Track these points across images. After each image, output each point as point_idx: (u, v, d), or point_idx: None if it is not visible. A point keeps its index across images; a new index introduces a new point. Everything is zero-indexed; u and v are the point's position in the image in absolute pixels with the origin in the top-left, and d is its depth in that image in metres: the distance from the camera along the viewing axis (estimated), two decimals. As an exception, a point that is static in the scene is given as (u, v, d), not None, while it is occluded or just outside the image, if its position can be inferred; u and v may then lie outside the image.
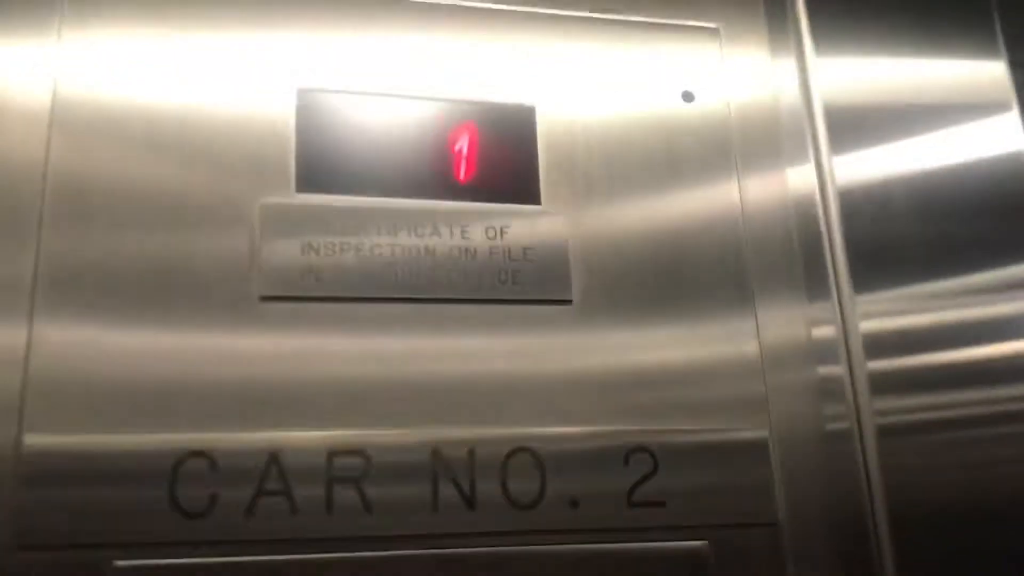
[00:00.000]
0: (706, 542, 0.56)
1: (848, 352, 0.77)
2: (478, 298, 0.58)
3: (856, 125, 0.79)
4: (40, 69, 0.59)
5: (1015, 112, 0.83)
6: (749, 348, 0.67)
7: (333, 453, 0.52)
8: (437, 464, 0.53)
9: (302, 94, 0.58)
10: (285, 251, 0.55)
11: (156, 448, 0.50)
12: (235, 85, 0.59)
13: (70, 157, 0.56)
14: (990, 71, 0.83)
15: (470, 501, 0.52)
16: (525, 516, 0.53)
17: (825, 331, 0.77)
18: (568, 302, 0.59)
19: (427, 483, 0.52)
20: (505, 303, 0.58)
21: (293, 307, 0.55)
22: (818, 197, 0.76)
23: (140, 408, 0.51)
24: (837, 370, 0.75)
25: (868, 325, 0.78)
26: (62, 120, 0.57)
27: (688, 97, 0.66)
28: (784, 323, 0.74)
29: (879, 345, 0.76)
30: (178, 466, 0.50)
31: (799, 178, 0.77)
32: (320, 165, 0.57)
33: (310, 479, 0.51)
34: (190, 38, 0.59)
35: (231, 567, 0.49)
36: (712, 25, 0.71)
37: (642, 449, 0.56)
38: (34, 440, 0.49)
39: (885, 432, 0.74)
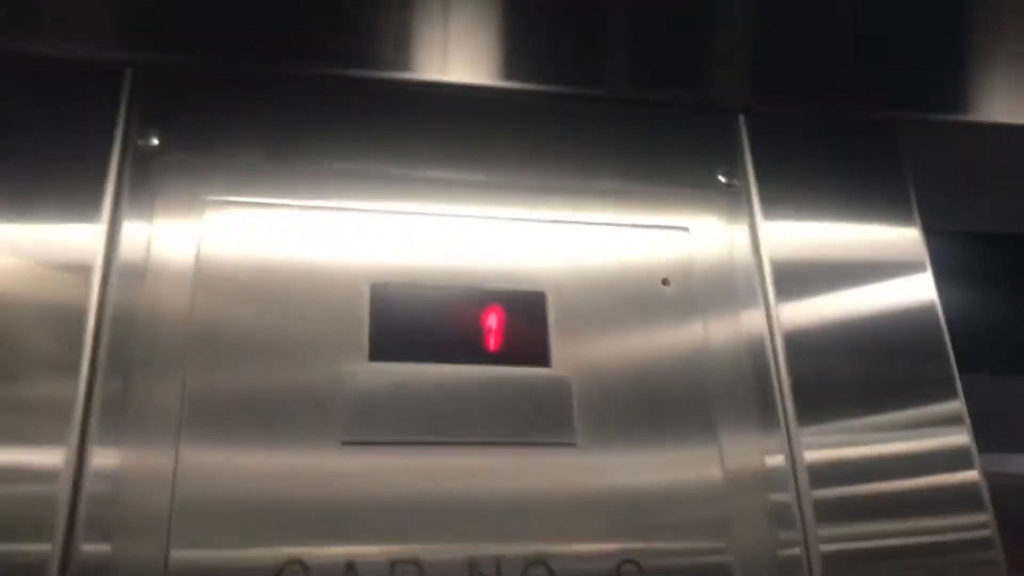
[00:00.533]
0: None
1: (796, 480, 0.85)
2: (505, 441, 0.74)
3: (797, 277, 0.91)
4: (188, 240, 0.76)
5: (928, 272, 0.95)
6: (714, 473, 0.78)
7: (394, 562, 0.68)
8: (473, 571, 0.69)
9: (375, 287, 0.77)
10: (357, 400, 0.73)
11: (263, 556, 0.66)
12: (325, 269, 0.77)
13: (207, 309, 0.74)
14: (907, 235, 0.96)
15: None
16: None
17: (776, 460, 0.85)
18: (573, 445, 0.75)
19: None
20: (524, 445, 0.74)
21: (365, 451, 0.72)
22: (767, 338, 0.88)
23: (255, 522, 0.67)
24: (787, 497, 0.83)
25: (812, 455, 0.87)
26: (202, 279, 0.74)
27: (666, 283, 0.83)
28: (741, 452, 0.83)
29: (822, 474, 0.84)
30: (279, 572, 0.66)
31: (751, 322, 0.87)
32: (387, 341, 0.76)
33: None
34: (302, 223, 0.79)
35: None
36: (684, 224, 0.87)
37: (631, 562, 0.72)
38: (178, 554, 0.66)
39: (829, 559, 0.82)
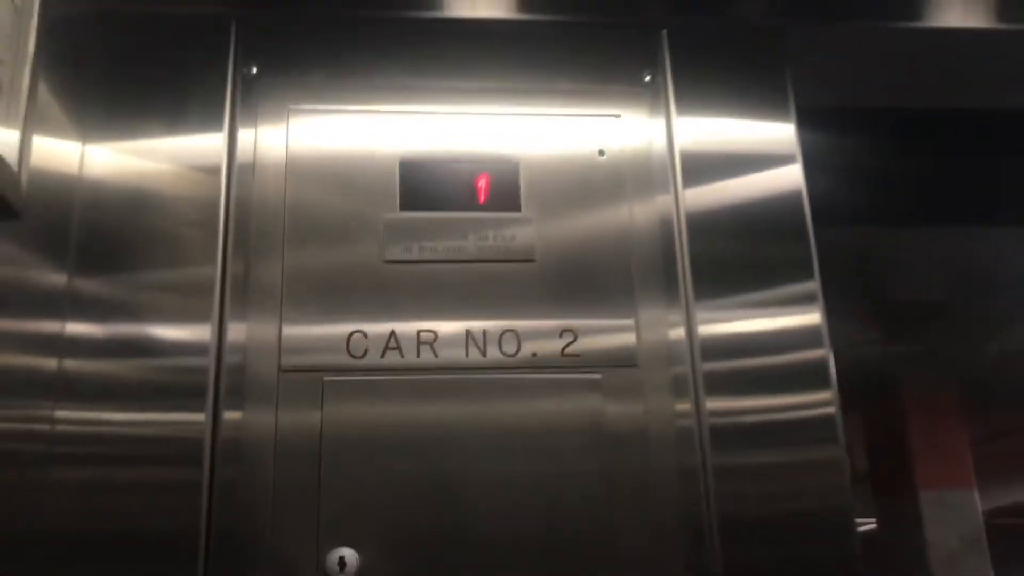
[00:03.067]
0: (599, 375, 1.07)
1: (692, 354, 1.05)
2: (485, 260, 1.11)
3: (700, 166, 1.12)
4: (280, 140, 1.12)
5: (799, 163, 1.15)
6: (627, 324, 1.10)
7: (419, 331, 1.08)
8: (468, 337, 1.09)
9: (403, 163, 1.15)
10: (394, 237, 1.11)
11: (337, 330, 1.09)
12: (369, 152, 1.14)
13: (295, 194, 1.11)
14: (783, 131, 1.17)
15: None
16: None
17: (678, 332, 1.07)
18: (532, 261, 1.12)
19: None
20: (500, 262, 1.11)
21: (400, 267, 1.10)
22: (674, 220, 1.11)
23: (333, 312, 1.09)
24: (684, 370, 1.05)
25: (704, 330, 1.05)
26: (291, 171, 1.12)
27: (602, 153, 1.18)
28: (653, 324, 1.08)
29: (712, 349, 1.04)
30: (348, 338, 1.09)
31: (663, 204, 1.13)
32: (412, 197, 1.14)
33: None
34: (353, 121, 1.15)
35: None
36: (617, 113, 1.20)
37: (569, 331, 1.10)
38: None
39: (715, 432, 1.01)
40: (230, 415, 1.02)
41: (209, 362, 1.01)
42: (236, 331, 1.05)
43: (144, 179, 1.08)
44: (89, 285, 1.03)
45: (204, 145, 1.10)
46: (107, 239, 1.05)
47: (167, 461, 0.97)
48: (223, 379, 1.02)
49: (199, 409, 0.99)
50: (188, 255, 1.05)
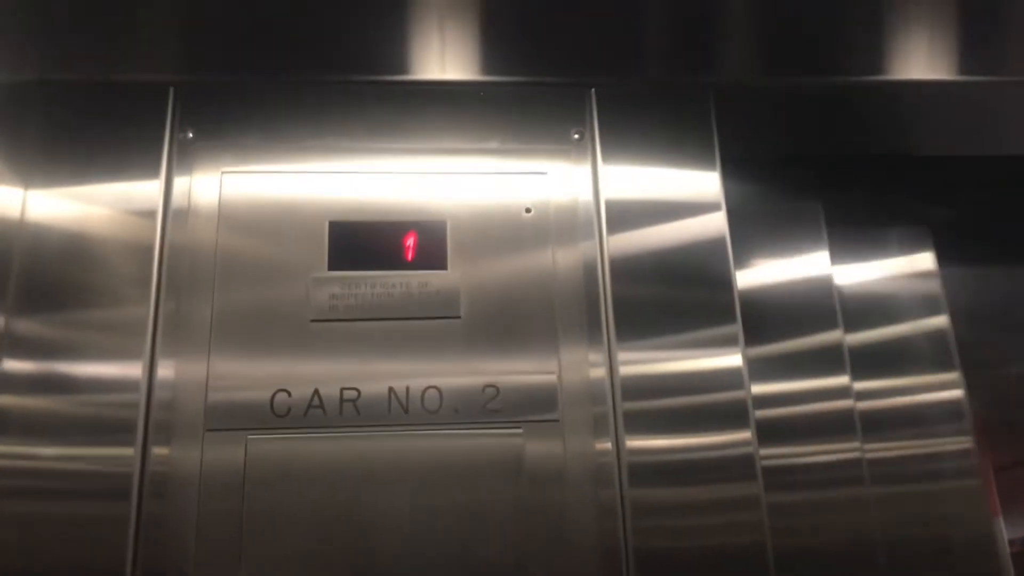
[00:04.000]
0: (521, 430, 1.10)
1: (612, 394, 1.08)
2: (412, 317, 1.14)
3: (625, 214, 1.16)
4: (212, 195, 1.15)
5: (723, 211, 1.18)
6: (550, 380, 1.12)
7: (343, 388, 1.11)
8: (391, 394, 1.11)
9: (332, 223, 1.18)
10: (321, 296, 1.15)
11: (259, 392, 1.12)
12: (299, 212, 1.18)
13: (226, 243, 1.14)
14: (708, 180, 1.21)
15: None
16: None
17: (598, 372, 1.11)
18: (458, 318, 1.15)
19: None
20: (425, 319, 1.14)
21: (326, 325, 1.14)
22: (598, 265, 1.15)
23: (254, 374, 1.12)
24: (605, 409, 1.08)
25: (626, 370, 1.08)
26: (223, 222, 1.15)
27: (528, 211, 1.21)
28: (575, 367, 1.11)
29: (631, 389, 1.07)
30: (273, 397, 1.11)
31: (587, 250, 1.16)
32: (341, 257, 1.17)
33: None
34: (284, 181, 1.18)
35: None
36: (544, 170, 1.23)
37: (492, 386, 1.13)
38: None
39: (634, 470, 1.03)
40: (159, 451, 1.06)
41: (140, 398, 1.06)
42: (166, 369, 1.10)
43: (83, 222, 1.13)
44: (25, 324, 1.07)
45: (141, 191, 1.15)
46: (45, 280, 1.10)
47: (96, 495, 1.01)
48: (152, 416, 1.06)
49: (129, 444, 1.03)
50: (122, 296, 1.10)
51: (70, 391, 1.05)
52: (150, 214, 1.15)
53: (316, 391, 1.11)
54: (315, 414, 1.10)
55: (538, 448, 1.10)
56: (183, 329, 1.12)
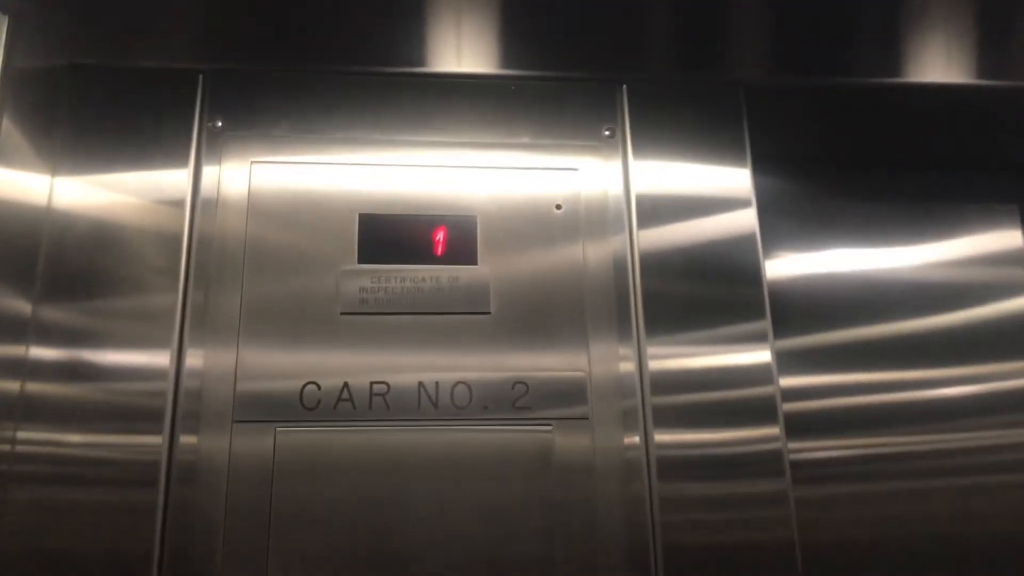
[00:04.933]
0: (551, 427, 1.10)
1: (641, 387, 1.08)
2: (441, 312, 1.14)
3: (655, 209, 1.16)
4: (242, 186, 1.15)
5: (753, 207, 1.19)
6: (579, 376, 1.11)
7: (372, 383, 1.11)
8: (421, 389, 1.11)
9: (362, 216, 1.18)
10: (350, 289, 1.15)
11: (291, 382, 1.11)
12: (329, 204, 1.17)
13: (255, 233, 1.14)
14: (739, 176, 1.20)
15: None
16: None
17: (627, 367, 1.10)
18: (488, 313, 1.15)
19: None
20: (456, 314, 1.14)
21: (356, 318, 1.13)
22: (628, 259, 1.15)
23: (288, 368, 1.12)
24: (634, 403, 1.08)
25: (655, 365, 1.08)
26: (252, 212, 1.15)
27: (559, 207, 1.20)
28: (604, 361, 1.10)
29: (660, 383, 1.06)
30: (302, 391, 1.11)
31: (617, 245, 1.15)
32: (370, 250, 1.17)
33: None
34: (313, 173, 1.18)
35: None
36: (575, 167, 1.22)
37: (521, 383, 1.13)
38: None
39: (662, 464, 1.03)
40: (186, 439, 1.06)
41: (168, 386, 1.06)
42: (194, 358, 1.09)
43: (110, 211, 1.13)
44: (53, 312, 1.08)
45: (170, 180, 1.16)
46: (72, 268, 1.10)
47: (124, 483, 1.01)
48: (180, 404, 1.06)
49: (157, 432, 1.04)
50: (150, 285, 1.10)
51: (98, 379, 1.05)
52: (179, 203, 1.15)
53: (346, 384, 1.11)
54: (344, 407, 1.10)
55: (567, 444, 1.10)
56: (212, 319, 1.11)
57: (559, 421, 1.11)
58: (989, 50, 1.27)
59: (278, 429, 1.08)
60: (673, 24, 1.24)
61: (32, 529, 0.98)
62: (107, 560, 0.98)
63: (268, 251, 1.15)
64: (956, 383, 1.22)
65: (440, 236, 1.19)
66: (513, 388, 1.12)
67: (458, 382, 1.12)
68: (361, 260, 1.17)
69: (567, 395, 1.12)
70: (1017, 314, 1.27)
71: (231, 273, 1.14)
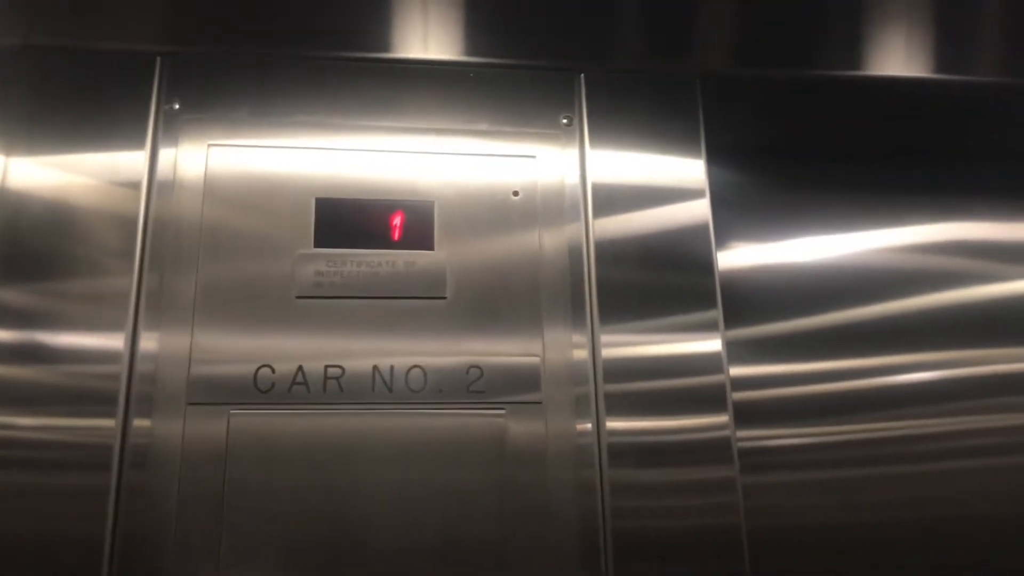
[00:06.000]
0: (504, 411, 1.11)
1: (594, 374, 1.09)
2: (397, 296, 1.14)
3: (610, 198, 1.17)
4: (199, 169, 1.15)
5: (707, 198, 1.20)
6: (533, 361, 1.12)
7: (327, 366, 1.11)
8: (375, 372, 1.12)
9: (318, 200, 1.18)
10: (306, 273, 1.16)
11: (243, 367, 1.11)
12: (287, 188, 1.17)
13: (212, 216, 1.13)
14: (693, 167, 1.22)
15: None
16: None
17: (581, 354, 1.12)
18: (444, 298, 1.16)
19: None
20: (412, 299, 1.15)
21: (311, 302, 1.14)
22: (584, 247, 1.16)
23: (238, 348, 1.12)
24: (587, 390, 1.10)
25: (608, 352, 1.10)
26: (208, 195, 1.15)
27: (516, 194, 1.21)
28: (558, 347, 1.12)
29: (612, 371, 1.08)
30: (256, 373, 1.11)
31: (573, 233, 1.17)
32: (327, 234, 1.17)
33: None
34: (271, 156, 1.18)
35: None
36: (532, 154, 1.23)
37: (476, 367, 1.14)
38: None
39: (613, 451, 1.05)
40: (140, 423, 1.05)
41: (122, 369, 1.05)
42: (148, 341, 1.09)
43: (65, 192, 1.12)
44: (6, 294, 1.07)
45: (125, 162, 1.15)
46: (27, 249, 1.09)
47: (76, 466, 1.01)
48: (134, 387, 1.06)
49: (110, 416, 1.03)
50: (105, 267, 1.10)
51: (51, 361, 1.04)
52: (135, 185, 1.14)
53: (300, 368, 1.11)
54: (299, 390, 1.10)
55: (520, 428, 1.11)
56: (166, 302, 1.11)
57: (513, 405, 1.12)
58: (948, 45, 1.30)
59: (231, 412, 1.08)
60: (631, 14, 1.25)
61: (-15, 513, 0.97)
62: (58, 545, 0.98)
63: (224, 234, 1.15)
64: (909, 370, 1.23)
65: (397, 221, 1.20)
66: (468, 372, 1.13)
67: (413, 366, 1.13)
68: (317, 244, 1.17)
69: (521, 380, 1.13)
70: (967, 303, 1.29)
71: (187, 256, 1.14)
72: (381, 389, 1.11)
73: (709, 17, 1.26)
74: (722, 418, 1.11)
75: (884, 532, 1.14)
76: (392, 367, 1.12)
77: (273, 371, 1.10)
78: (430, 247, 1.19)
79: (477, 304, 1.17)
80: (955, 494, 1.18)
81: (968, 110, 1.39)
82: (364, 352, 1.13)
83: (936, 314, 1.27)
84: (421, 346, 1.14)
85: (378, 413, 1.10)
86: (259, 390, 1.09)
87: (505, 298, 1.17)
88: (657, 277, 1.16)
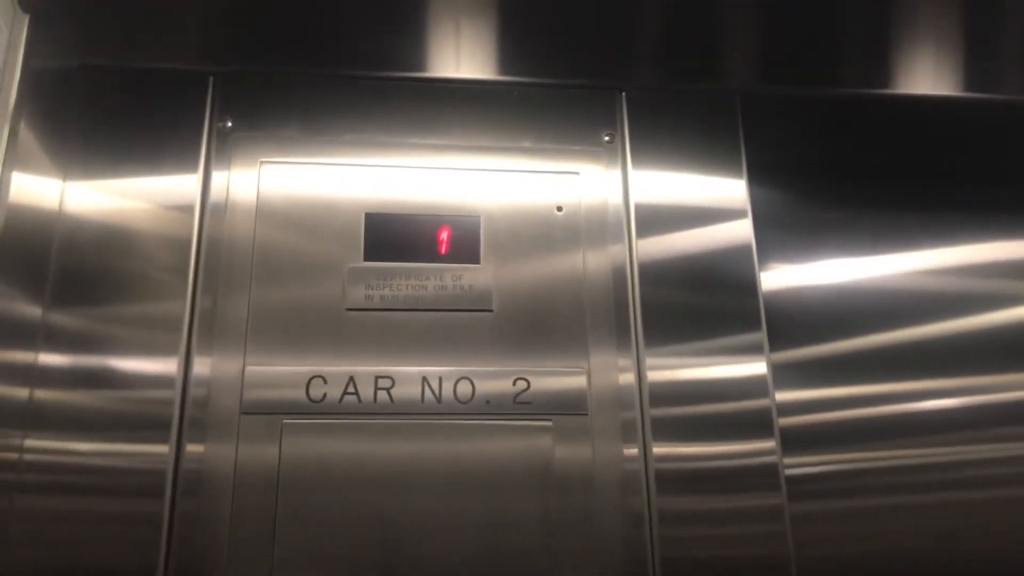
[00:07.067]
0: (551, 422, 1.12)
1: (640, 399, 1.09)
2: (445, 309, 1.16)
3: (654, 218, 1.18)
4: (251, 188, 1.17)
5: (749, 218, 1.20)
6: (580, 376, 1.13)
7: (377, 376, 1.12)
8: (424, 383, 1.13)
9: (368, 215, 1.20)
10: (356, 287, 1.17)
11: (297, 373, 1.14)
12: (336, 203, 1.19)
13: (264, 235, 1.16)
14: (735, 187, 1.23)
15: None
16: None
17: (627, 378, 1.11)
18: (490, 311, 1.18)
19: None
20: (460, 311, 1.16)
21: (361, 315, 1.16)
22: (627, 268, 1.16)
23: (295, 356, 1.14)
24: (633, 415, 1.09)
25: (653, 376, 1.09)
26: (261, 215, 1.17)
27: (560, 209, 1.23)
28: (604, 371, 1.12)
29: (659, 395, 1.08)
30: (308, 383, 1.13)
31: (617, 254, 1.17)
32: (376, 248, 1.19)
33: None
34: (321, 173, 1.20)
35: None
36: (576, 170, 1.25)
37: (522, 378, 1.14)
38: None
39: (661, 477, 1.04)
40: (193, 448, 1.06)
41: (175, 395, 1.06)
42: (202, 365, 1.10)
43: (120, 216, 1.14)
44: (63, 318, 1.08)
45: (179, 186, 1.17)
46: (82, 273, 1.11)
47: (130, 492, 1.01)
48: (187, 412, 1.06)
49: (163, 441, 1.04)
50: (159, 291, 1.11)
51: (106, 386, 1.06)
52: (188, 208, 1.16)
53: (351, 378, 1.12)
54: (350, 400, 1.11)
55: (567, 443, 1.11)
56: (220, 324, 1.12)
57: (559, 417, 1.13)
58: (975, 64, 1.31)
59: (284, 421, 1.09)
60: (671, 33, 1.27)
61: (38, 540, 0.98)
62: (112, 572, 0.98)
63: (276, 253, 1.17)
64: (955, 394, 1.21)
65: (444, 236, 1.21)
66: (514, 384, 1.14)
67: (461, 377, 1.14)
68: (367, 258, 1.19)
69: (567, 394, 1.14)
70: (1014, 324, 1.29)
71: (239, 276, 1.15)
72: (430, 400, 1.12)
73: (748, 36, 1.28)
74: (769, 443, 1.10)
75: (942, 563, 1.13)
76: (440, 378, 1.14)
77: (325, 381, 1.12)
78: (476, 261, 1.21)
79: (523, 318, 1.18)
80: (1022, 522, 1.15)
81: (1013, 131, 1.40)
82: (413, 363, 1.14)
83: (991, 335, 1.26)
84: (468, 358, 1.15)
85: (427, 424, 1.11)
86: (311, 400, 1.11)
87: (550, 313, 1.18)
88: (701, 299, 1.16)
